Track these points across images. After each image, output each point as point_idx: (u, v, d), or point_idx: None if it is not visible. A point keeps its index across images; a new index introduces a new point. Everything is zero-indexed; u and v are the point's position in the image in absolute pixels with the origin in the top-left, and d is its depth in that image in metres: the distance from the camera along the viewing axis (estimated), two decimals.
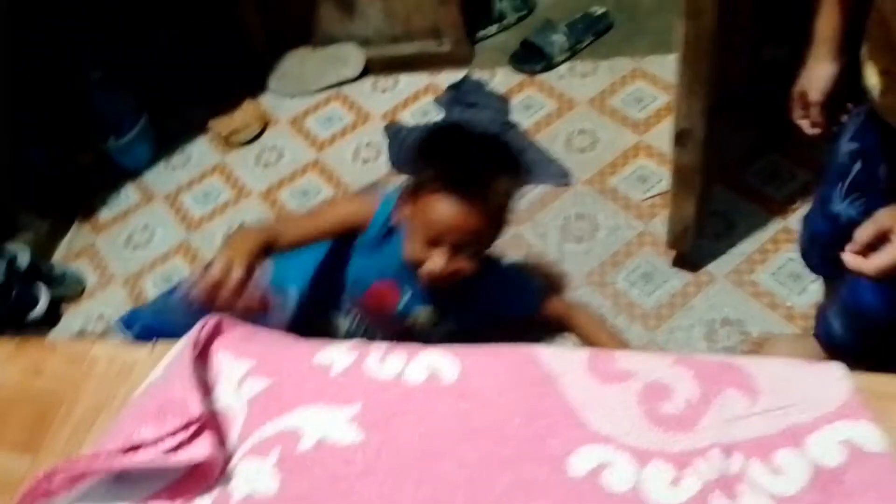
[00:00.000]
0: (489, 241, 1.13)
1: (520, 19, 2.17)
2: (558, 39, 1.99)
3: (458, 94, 1.99)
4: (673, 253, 1.50)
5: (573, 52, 2.01)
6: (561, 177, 1.72)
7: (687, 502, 0.59)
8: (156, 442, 0.65)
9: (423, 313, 1.23)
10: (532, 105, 1.92)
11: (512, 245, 1.60)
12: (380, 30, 2.13)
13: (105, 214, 1.99)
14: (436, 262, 1.08)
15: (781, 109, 1.07)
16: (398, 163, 1.91)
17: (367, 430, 0.68)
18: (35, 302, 1.68)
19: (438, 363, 0.72)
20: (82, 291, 1.83)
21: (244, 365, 0.75)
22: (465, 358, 0.72)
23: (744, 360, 0.68)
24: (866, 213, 0.85)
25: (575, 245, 1.59)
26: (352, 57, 2.16)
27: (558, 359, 0.70)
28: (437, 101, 2.02)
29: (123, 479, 0.67)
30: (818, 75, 1.01)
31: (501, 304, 1.27)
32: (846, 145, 1.04)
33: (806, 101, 1.04)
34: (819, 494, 0.58)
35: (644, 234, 1.57)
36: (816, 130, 1.06)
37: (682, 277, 1.49)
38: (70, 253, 1.92)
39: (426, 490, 0.63)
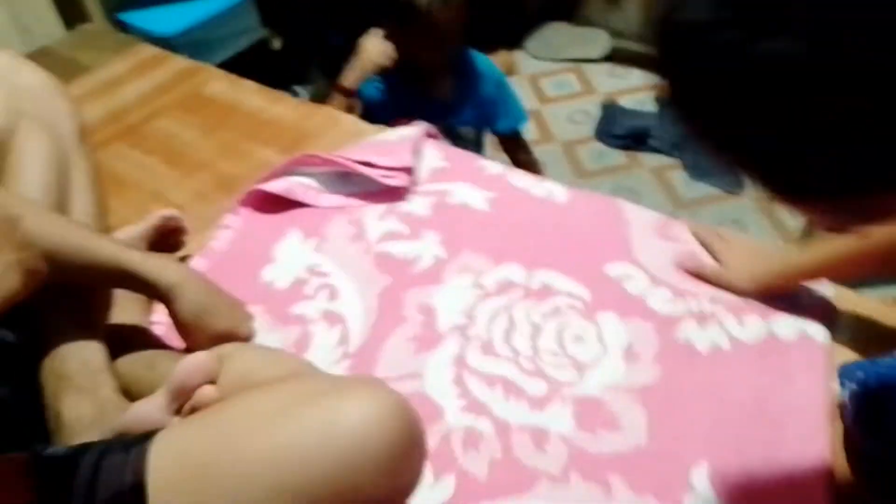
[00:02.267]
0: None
1: None
2: None
3: None
4: None
5: None
6: (734, 185, 1.93)
7: (669, 315, 0.86)
8: (377, 166, 1.03)
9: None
10: None
11: None
12: (632, 26, 2.43)
13: None
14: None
15: None
16: (601, 134, 2.20)
17: (494, 207, 1.01)
18: None
19: (556, 190, 1.03)
20: None
21: (437, 153, 1.11)
22: (574, 192, 1.03)
23: None
24: None
25: None
26: (600, 41, 2.48)
27: (636, 213, 0.99)
28: (657, 97, 2.28)
29: (347, 177, 1.05)
30: None
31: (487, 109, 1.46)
32: None
33: None
34: (763, 347, 0.82)
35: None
36: None
37: None
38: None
39: (517, 249, 0.95)
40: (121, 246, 0.71)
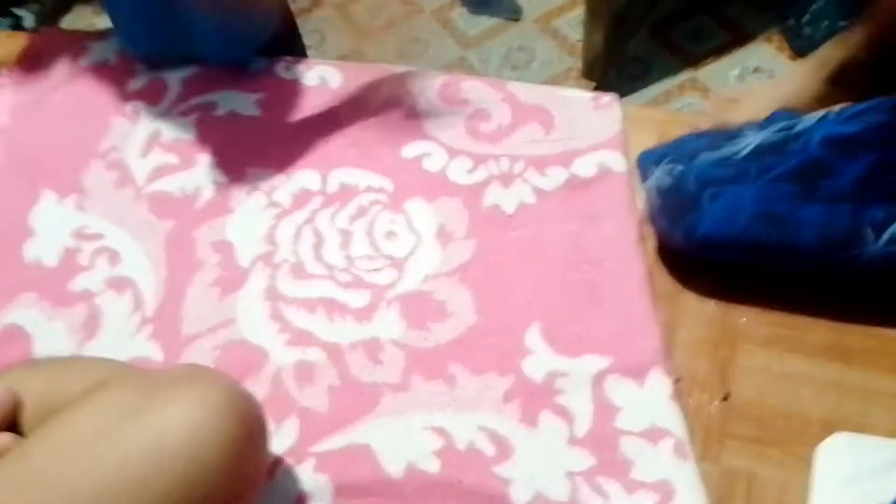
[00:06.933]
0: None
1: None
2: None
3: None
4: (592, 86, 1.70)
5: None
6: (512, 12, 1.90)
7: (474, 184, 0.83)
8: None
9: None
10: None
11: (454, 66, 1.80)
12: None
13: None
14: None
15: None
16: None
17: (266, 109, 0.91)
18: None
19: (328, 73, 0.94)
20: None
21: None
22: (348, 70, 0.95)
23: (551, 104, 0.90)
24: None
25: (510, 72, 1.81)
26: None
27: (418, 80, 0.93)
28: None
29: None
30: None
31: None
32: None
33: None
34: (568, 191, 0.81)
35: (572, 68, 1.78)
36: None
37: None
38: (71, 27, 2.11)
39: (305, 152, 0.87)
40: None
